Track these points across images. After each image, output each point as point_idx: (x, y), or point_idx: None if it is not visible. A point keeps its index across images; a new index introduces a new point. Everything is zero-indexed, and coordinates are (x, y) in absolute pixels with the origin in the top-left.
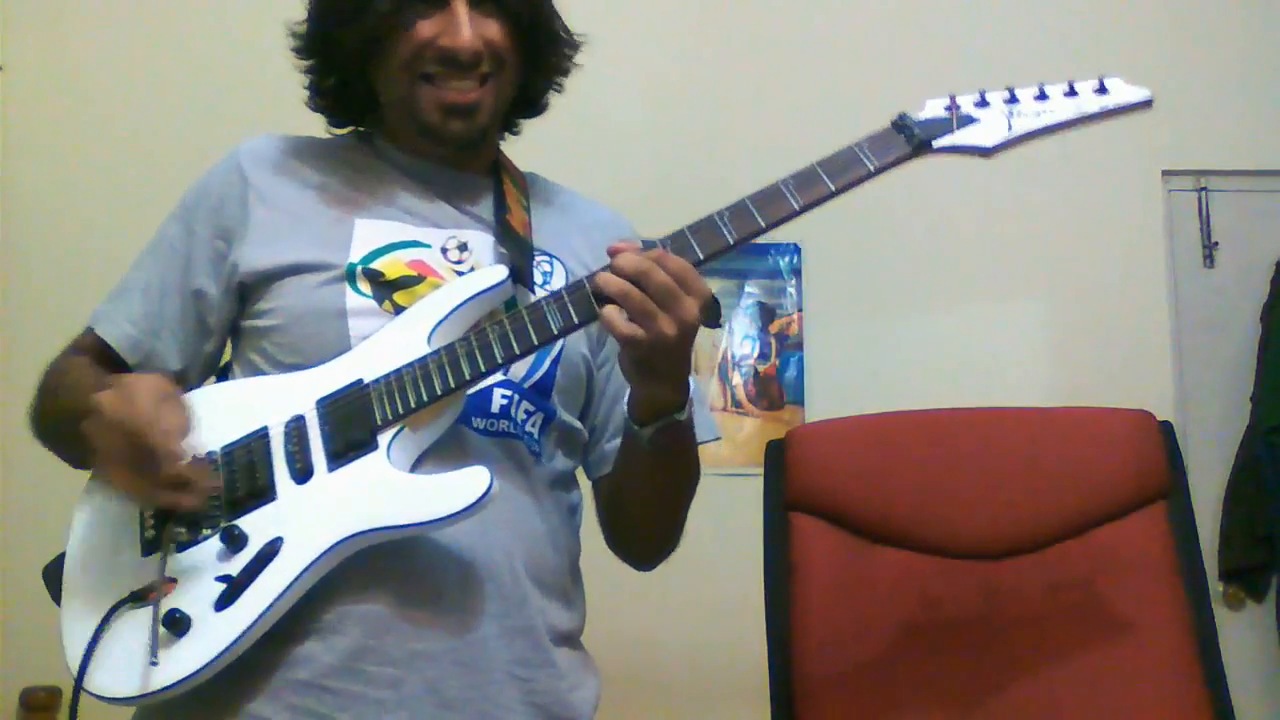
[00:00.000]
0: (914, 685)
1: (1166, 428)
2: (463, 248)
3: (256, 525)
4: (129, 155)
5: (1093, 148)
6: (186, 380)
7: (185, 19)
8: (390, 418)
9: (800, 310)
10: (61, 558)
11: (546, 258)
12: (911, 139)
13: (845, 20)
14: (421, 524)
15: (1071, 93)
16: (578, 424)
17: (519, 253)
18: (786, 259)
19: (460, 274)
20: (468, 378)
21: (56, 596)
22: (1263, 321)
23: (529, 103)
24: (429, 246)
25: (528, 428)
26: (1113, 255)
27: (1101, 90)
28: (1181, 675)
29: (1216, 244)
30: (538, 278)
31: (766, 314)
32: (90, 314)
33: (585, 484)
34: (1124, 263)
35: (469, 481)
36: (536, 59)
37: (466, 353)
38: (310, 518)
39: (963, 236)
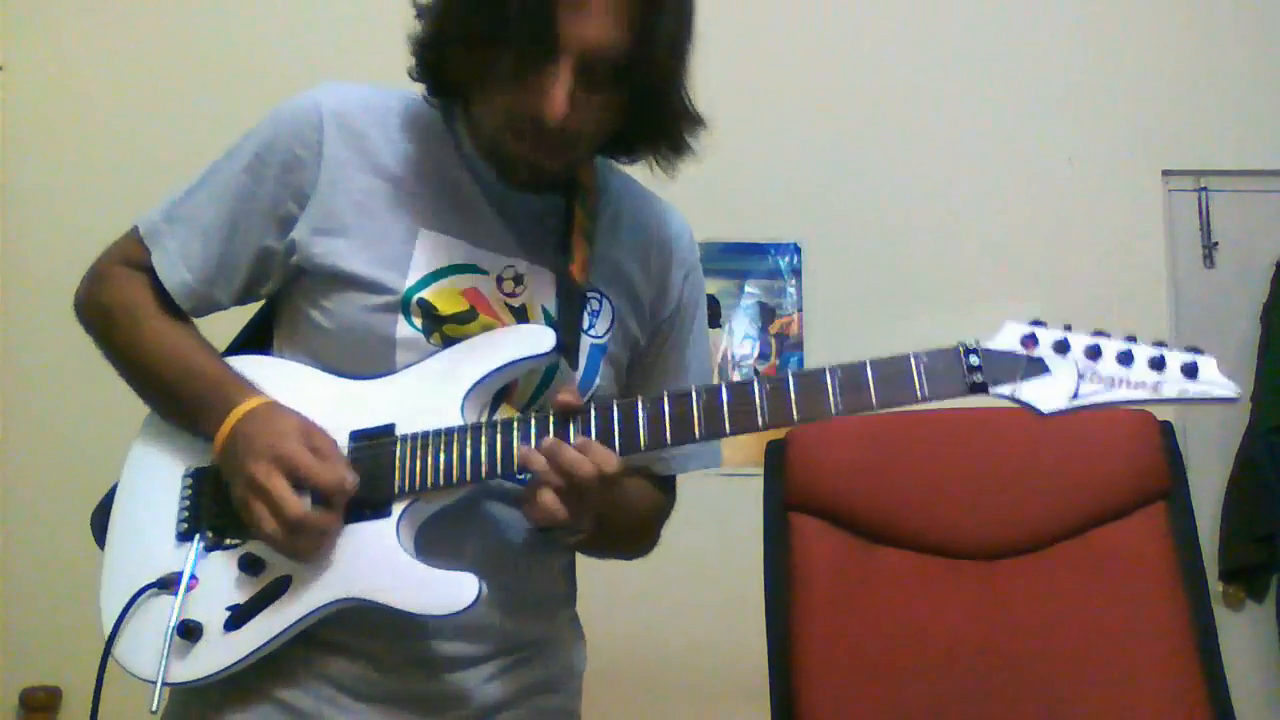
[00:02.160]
0: (914, 685)
1: (1166, 428)
2: (518, 280)
3: (275, 555)
4: (129, 155)
5: (1093, 148)
6: (223, 307)
7: (185, 19)
8: (406, 490)
9: (800, 310)
10: (108, 502)
11: (598, 297)
12: (969, 381)
13: (846, 17)
14: (407, 613)
15: (1159, 364)
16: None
17: (571, 314)
18: (786, 259)
19: (511, 307)
20: (484, 475)
21: (101, 541)
22: (1263, 321)
23: (626, 154)
24: (486, 274)
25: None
26: (1113, 255)
27: (1190, 371)
28: (1181, 675)
29: (1216, 244)
30: (584, 321)
31: (766, 314)
32: (141, 220)
33: None
34: (1124, 263)
35: (458, 588)
36: (646, 130)
37: (489, 448)
38: (318, 566)
39: (963, 236)
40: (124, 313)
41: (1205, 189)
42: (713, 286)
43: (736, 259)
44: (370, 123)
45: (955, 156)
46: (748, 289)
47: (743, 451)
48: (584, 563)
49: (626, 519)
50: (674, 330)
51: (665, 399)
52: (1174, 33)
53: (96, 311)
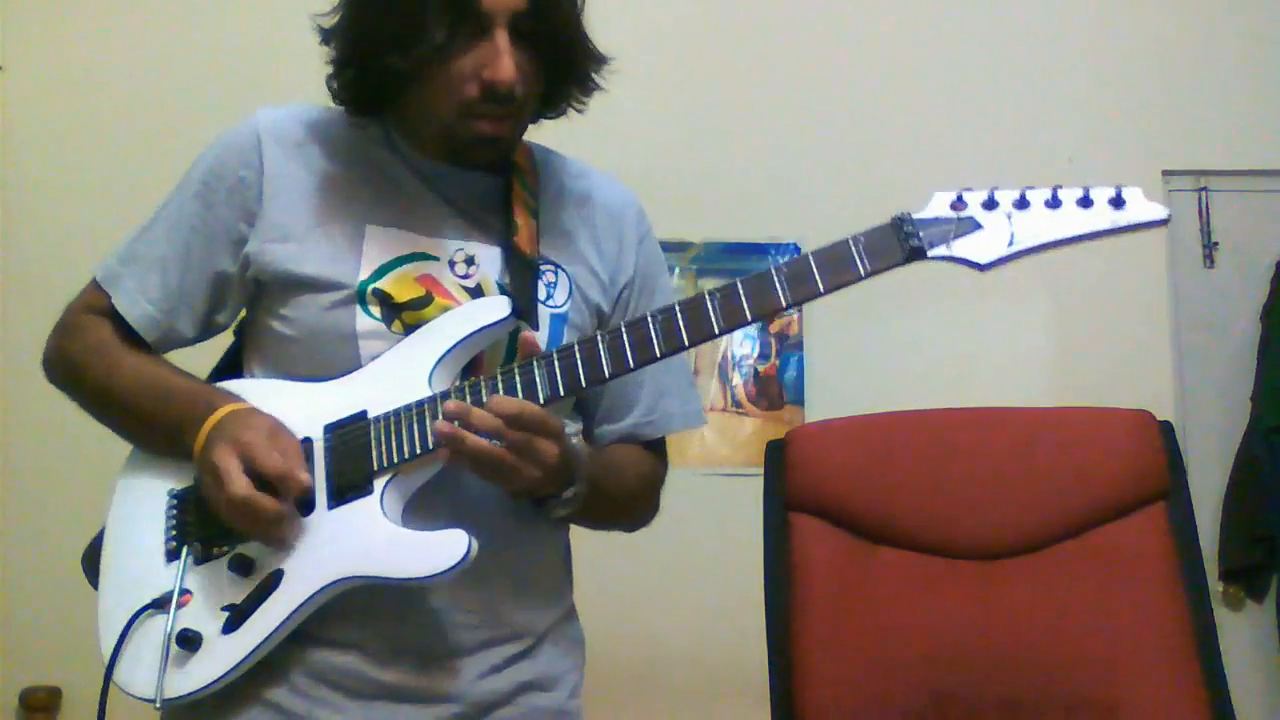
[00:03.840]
0: (914, 685)
1: (1166, 428)
2: (470, 261)
3: (262, 552)
4: (129, 155)
5: (1093, 148)
6: (187, 339)
7: (185, 18)
8: (385, 465)
9: (800, 310)
10: (98, 542)
11: (552, 268)
12: (906, 247)
13: (847, 15)
14: (400, 580)
15: (1086, 202)
16: (575, 427)
17: (524, 281)
18: (786, 259)
19: (467, 289)
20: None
21: (94, 581)
22: (1263, 321)
23: (550, 107)
24: (437, 260)
25: None
26: (1113, 255)
27: (1118, 202)
28: (1181, 675)
29: (1216, 244)
30: (541, 292)
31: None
32: (99, 268)
33: None
34: (1124, 263)
35: (449, 545)
36: (564, 77)
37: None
38: (308, 554)
39: None
40: (95, 355)
41: (1205, 189)
42: (713, 286)
43: (736, 259)
44: (306, 134)
45: (955, 156)
46: None
47: (743, 451)
48: (584, 562)
49: (617, 483)
50: (637, 297)
51: (622, 328)
52: (1174, 33)
53: (64, 363)
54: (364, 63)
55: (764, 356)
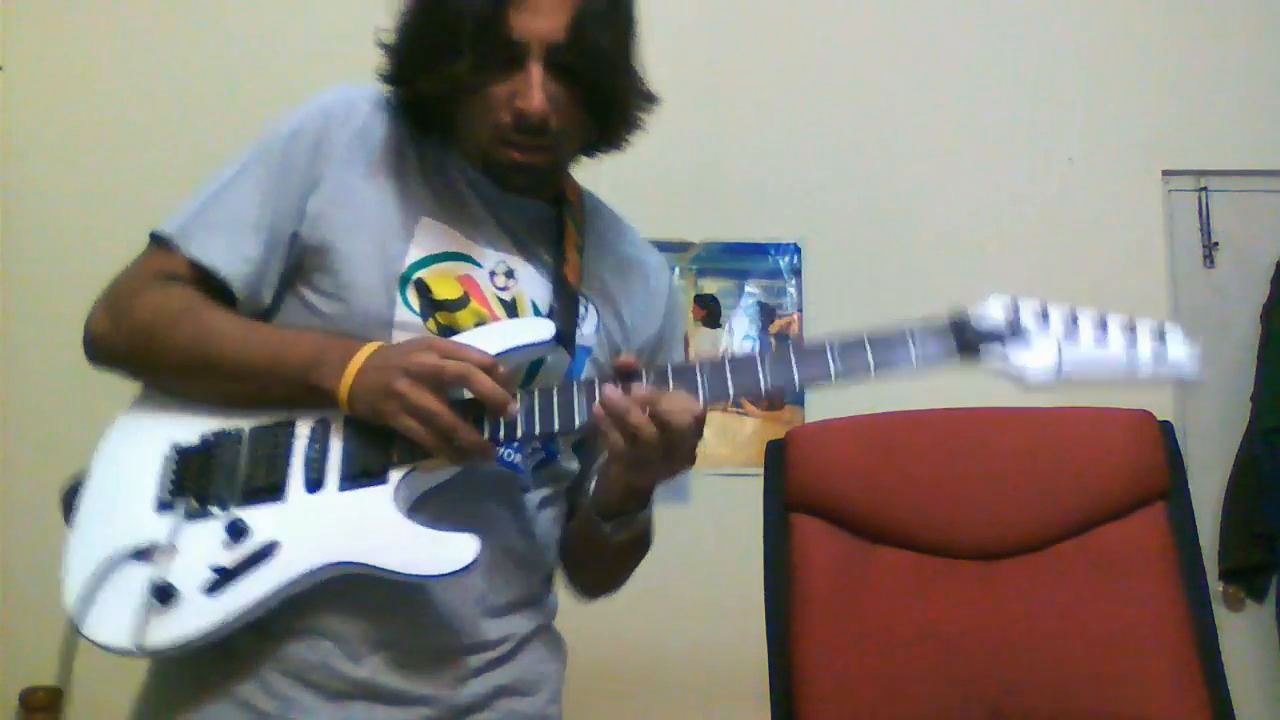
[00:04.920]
0: (914, 685)
1: (1166, 428)
2: (509, 274)
3: (260, 522)
4: (129, 155)
5: (1093, 148)
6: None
7: (185, 19)
8: (405, 459)
9: (800, 310)
10: (80, 480)
11: (584, 301)
12: (963, 349)
13: (846, 15)
14: (405, 574)
15: (1131, 340)
16: (574, 464)
17: (567, 312)
18: (786, 259)
19: (503, 301)
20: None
21: (69, 518)
22: (1263, 321)
23: (598, 142)
24: (480, 266)
25: (528, 464)
26: (1113, 255)
27: (1160, 338)
28: (1181, 675)
29: (1216, 244)
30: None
31: (766, 314)
32: (171, 230)
33: None
34: (1124, 263)
35: (458, 548)
36: (606, 113)
37: (492, 419)
38: (309, 532)
39: (963, 236)
40: (179, 316)
41: (1205, 189)
42: (713, 286)
43: (736, 259)
44: (379, 120)
45: (955, 156)
46: (748, 289)
47: (743, 452)
48: None
49: (644, 535)
50: (656, 352)
51: (688, 367)
52: (1174, 33)
53: (131, 332)
54: (407, 84)
55: None
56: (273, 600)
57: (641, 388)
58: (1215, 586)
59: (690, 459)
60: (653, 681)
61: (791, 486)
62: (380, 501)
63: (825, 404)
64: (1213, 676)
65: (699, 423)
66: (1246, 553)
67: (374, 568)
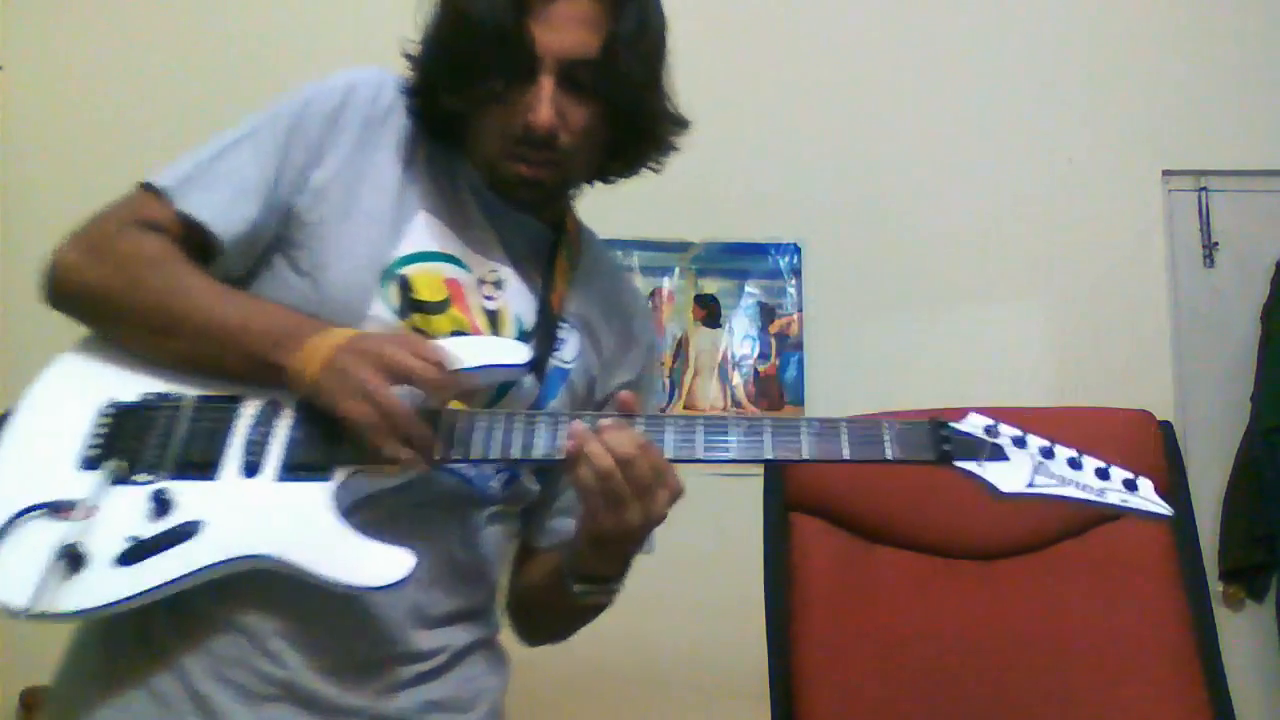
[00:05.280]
0: (914, 685)
1: (1166, 428)
2: (498, 284)
3: (187, 498)
4: (129, 155)
5: (1093, 148)
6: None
7: (185, 19)
8: (353, 459)
9: (800, 310)
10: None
11: (567, 326)
12: (938, 450)
13: (847, 16)
14: (328, 581)
15: (1104, 475)
16: (535, 487)
17: (546, 338)
18: (786, 259)
19: (487, 310)
20: (434, 459)
21: None
22: (1263, 321)
23: (622, 168)
24: (470, 271)
25: (489, 481)
26: (1113, 255)
27: (1130, 487)
28: (1181, 675)
29: (1216, 244)
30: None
31: (766, 314)
32: (164, 177)
33: None
34: (1124, 263)
35: (388, 563)
36: (632, 135)
37: (445, 433)
38: (237, 517)
39: (963, 236)
40: (156, 262)
41: (1205, 189)
42: (713, 286)
43: (736, 259)
44: (396, 108)
45: (955, 156)
46: (748, 289)
47: None
48: None
49: (609, 598)
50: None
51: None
52: (1174, 33)
53: (105, 270)
54: (426, 94)
55: (764, 356)
56: (186, 583)
57: (615, 426)
58: (1215, 586)
59: (659, 511)
60: (653, 681)
61: (791, 486)
62: (317, 499)
63: (825, 404)
64: (1213, 676)
65: (661, 476)
66: (1246, 553)
67: (297, 567)
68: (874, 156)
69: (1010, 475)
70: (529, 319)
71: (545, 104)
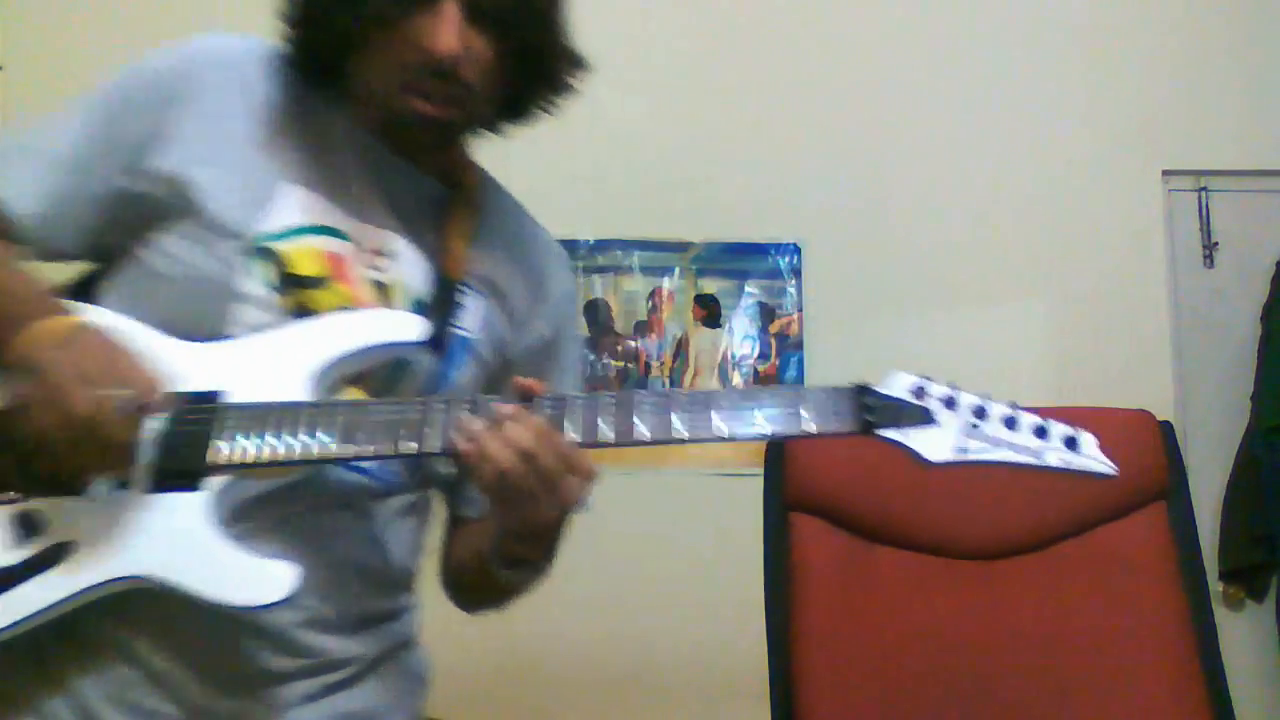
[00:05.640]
0: (914, 685)
1: (1166, 428)
2: (386, 254)
3: (56, 517)
4: None
5: (1093, 148)
6: (66, 255)
7: (185, 19)
8: (225, 464)
9: (800, 310)
10: None
11: (471, 294)
12: (860, 420)
13: (846, 16)
14: (209, 600)
15: (1042, 433)
16: (443, 470)
17: (443, 309)
18: (786, 259)
19: (376, 282)
20: (316, 456)
21: None
22: (1263, 321)
23: (518, 113)
24: (351, 241)
25: (389, 470)
26: (1113, 255)
27: (1071, 445)
28: (1181, 675)
29: (1216, 244)
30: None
31: (766, 314)
32: None
33: None
34: (1124, 263)
35: (272, 579)
36: (532, 75)
37: (327, 428)
38: (107, 537)
39: (963, 236)
40: None
41: (1205, 189)
42: (712, 286)
43: (736, 259)
44: (253, 70)
45: (955, 157)
46: (748, 289)
47: (743, 452)
48: (584, 562)
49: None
50: (551, 357)
51: (598, 402)
52: (1174, 33)
53: None
54: (313, 23)
55: (764, 356)
56: (61, 609)
57: (514, 416)
58: (1215, 586)
59: (572, 500)
60: (653, 681)
61: (791, 486)
62: (191, 512)
63: None
64: (1213, 676)
65: (568, 462)
66: (1246, 553)
67: (175, 587)
68: (874, 157)
69: (939, 442)
70: (424, 288)
71: (449, 29)
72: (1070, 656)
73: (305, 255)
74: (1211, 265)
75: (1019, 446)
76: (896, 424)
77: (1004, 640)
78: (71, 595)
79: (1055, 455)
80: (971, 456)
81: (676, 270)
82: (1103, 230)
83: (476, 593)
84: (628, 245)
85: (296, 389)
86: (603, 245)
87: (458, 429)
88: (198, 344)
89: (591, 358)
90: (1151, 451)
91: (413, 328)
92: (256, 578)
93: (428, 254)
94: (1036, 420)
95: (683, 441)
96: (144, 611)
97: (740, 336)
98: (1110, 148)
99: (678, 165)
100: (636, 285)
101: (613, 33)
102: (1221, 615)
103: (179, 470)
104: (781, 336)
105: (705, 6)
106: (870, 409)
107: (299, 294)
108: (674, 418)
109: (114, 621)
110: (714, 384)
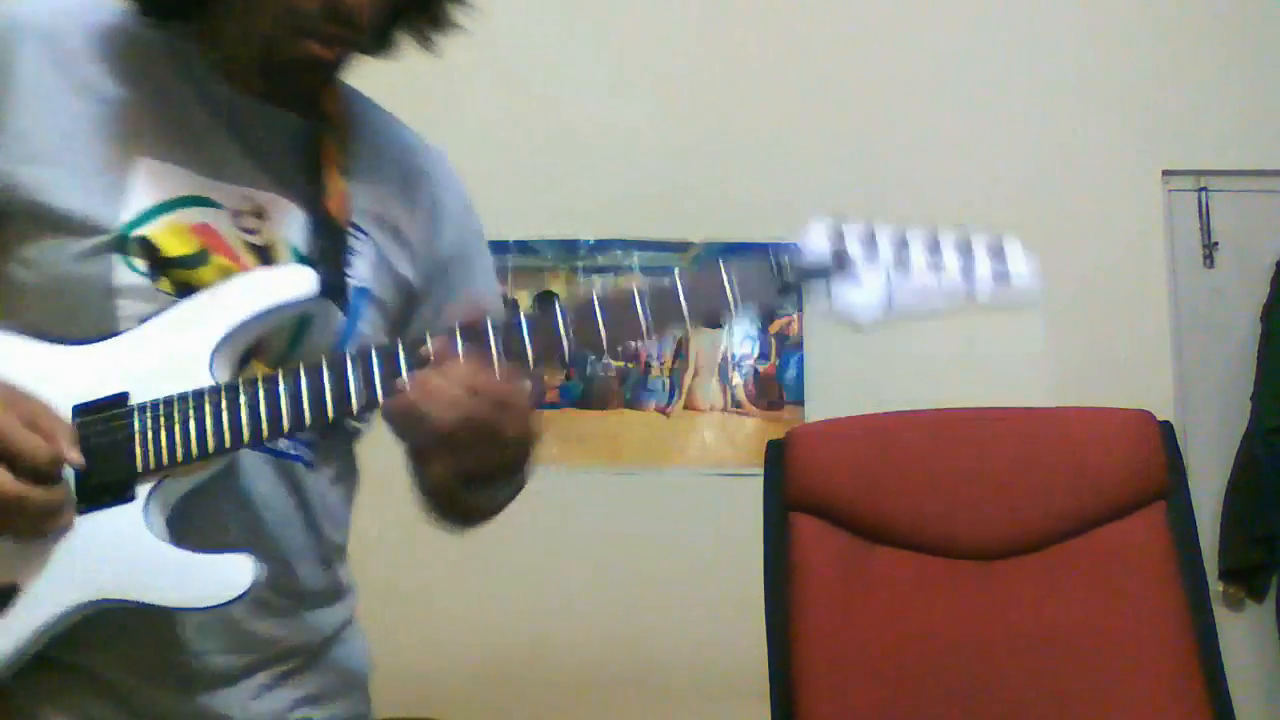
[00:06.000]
0: (914, 685)
1: (1166, 428)
2: (259, 214)
3: None
4: None
5: (1093, 148)
6: None
7: None
8: (153, 468)
9: (800, 310)
10: None
11: (358, 236)
12: (784, 290)
13: (846, 16)
14: (171, 609)
15: (966, 251)
16: (359, 424)
17: (334, 256)
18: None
19: (254, 246)
20: (246, 440)
21: None
22: (1263, 321)
23: (393, 43)
24: (220, 207)
25: (303, 438)
26: (1113, 255)
27: (998, 257)
28: (1181, 675)
29: (1216, 244)
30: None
31: (766, 314)
32: None
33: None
34: (1124, 263)
35: (230, 571)
36: (417, 9)
37: (250, 406)
38: (51, 568)
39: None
40: None
41: (1205, 189)
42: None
43: (736, 259)
44: (76, 39)
45: (955, 156)
46: None
47: (743, 451)
48: (583, 562)
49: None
50: (459, 276)
51: (526, 320)
52: (1174, 33)
53: None
54: None
55: (764, 356)
56: (22, 655)
57: (435, 373)
58: (1215, 586)
59: (520, 434)
60: (653, 681)
61: (791, 486)
62: (129, 523)
63: (825, 404)
64: (1213, 676)
65: (504, 402)
66: (1246, 553)
67: (132, 603)
68: (874, 156)
69: (866, 301)
70: (305, 243)
71: None
72: (1070, 657)
73: (173, 234)
74: (1211, 265)
75: (946, 284)
76: (823, 289)
77: (1004, 640)
78: (34, 634)
79: (985, 285)
80: (901, 308)
81: (676, 270)
82: (1103, 230)
83: (459, 515)
84: (628, 245)
85: (200, 372)
86: (603, 245)
87: (393, 382)
88: (87, 345)
89: (591, 358)
90: (1151, 451)
91: (304, 282)
92: (214, 575)
93: (303, 201)
94: (956, 238)
95: (610, 342)
96: (86, 632)
97: (740, 336)
98: (1110, 148)
99: (678, 165)
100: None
101: (614, 34)
102: (1221, 615)
103: (105, 485)
104: (781, 336)
105: (707, 7)
106: (790, 275)
107: (178, 275)
108: (599, 323)
109: (62, 647)
110: (714, 384)
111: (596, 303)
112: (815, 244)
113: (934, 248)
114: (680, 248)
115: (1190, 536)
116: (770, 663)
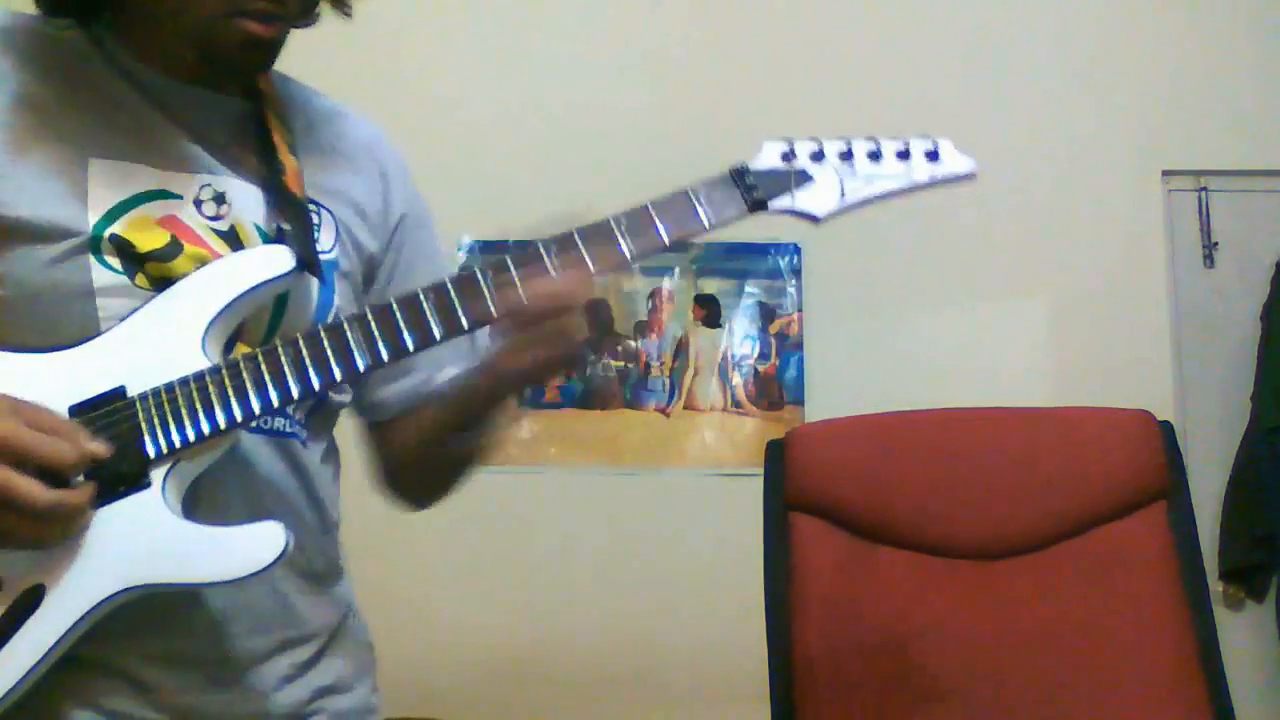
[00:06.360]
0: (914, 685)
1: (1166, 428)
2: (219, 199)
3: (11, 565)
4: None
5: (1093, 148)
6: None
7: None
8: (165, 452)
9: (800, 310)
10: None
11: (315, 209)
12: (749, 199)
13: (845, 14)
14: (208, 584)
15: (904, 155)
16: (342, 395)
17: (301, 229)
18: (786, 259)
19: (219, 232)
20: (257, 412)
21: None
22: (1263, 321)
23: (309, 11)
24: (179, 198)
25: (296, 416)
26: (1113, 255)
27: (933, 157)
28: (1181, 675)
29: (1216, 244)
30: None
31: (766, 314)
32: None
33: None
34: (1124, 263)
35: (261, 539)
36: None
37: (255, 379)
38: (76, 563)
39: (963, 236)
40: None
41: (1205, 189)
42: (712, 286)
43: (736, 259)
44: (7, 59)
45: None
46: (748, 289)
47: (743, 451)
48: (583, 562)
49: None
50: (412, 236)
51: (449, 283)
52: (1174, 33)
53: None
54: None
55: (764, 356)
56: (57, 652)
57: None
58: (1215, 586)
59: (572, 334)
60: (653, 681)
61: (791, 486)
62: (149, 508)
63: (825, 404)
64: (1213, 676)
65: (563, 304)
66: (1246, 553)
67: (165, 585)
68: None
69: (821, 196)
70: (269, 218)
71: None
72: (1070, 656)
73: (143, 230)
74: (1211, 265)
75: (890, 176)
76: (783, 192)
77: (1004, 640)
78: (66, 632)
79: (922, 172)
80: (852, 200)
81: (676, 270)
82: (1103, 230)
83: (425, 476)
84: None
85: (195, 357)
86: None
87: (504, 306)
88: (72, 349)
89: (592, 357)
90: (1151, 451)
91: (282, 259)
92: (246, 544)
93: (260, 181)
94: (896, 145)
95: (600, 272)
96: (112, 625)
97: (740, 336)
98: (1110, 148)
99: (678, 165)
100: (636, 285)
101: (612, 30)
102: (1221, 615)
103: (119, 475)
104: (781, 336)
105: (705, 3)
106: (753, 186)
107: (154, 269)
108: (582, 251)
109: (85, 643)
110: (714, 384)
111: (576, 235)
112: (769, 160)
113: (875, 155)
114: (680, 248)
115: (1190, 536)
116: (770, 663)
